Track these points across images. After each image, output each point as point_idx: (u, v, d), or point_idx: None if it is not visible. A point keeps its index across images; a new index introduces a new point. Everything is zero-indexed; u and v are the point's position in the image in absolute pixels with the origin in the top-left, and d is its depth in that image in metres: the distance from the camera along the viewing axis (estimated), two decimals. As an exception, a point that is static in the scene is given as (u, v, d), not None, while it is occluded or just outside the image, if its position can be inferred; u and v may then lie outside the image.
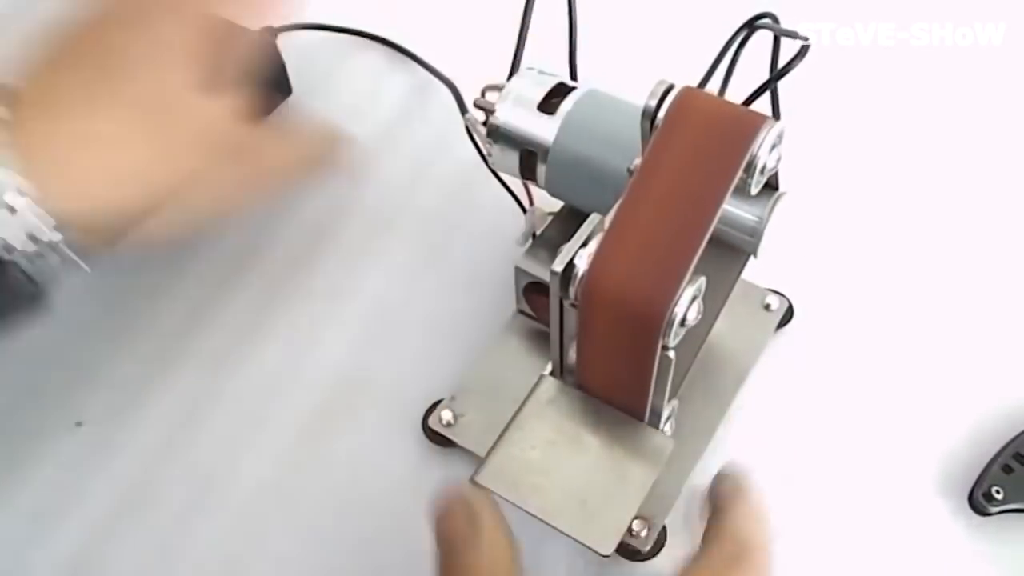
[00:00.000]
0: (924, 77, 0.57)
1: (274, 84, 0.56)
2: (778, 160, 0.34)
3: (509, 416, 0.38)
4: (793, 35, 0.41)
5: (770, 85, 0.41)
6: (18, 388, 0.47)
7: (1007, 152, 0.54)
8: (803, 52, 0.39)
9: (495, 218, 0.50)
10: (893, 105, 0.56)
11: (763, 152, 0.32)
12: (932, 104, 0.56)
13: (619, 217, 0.32)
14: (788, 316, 0.47)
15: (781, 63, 0.39)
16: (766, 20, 0.42)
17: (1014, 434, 0.43)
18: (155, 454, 0.45)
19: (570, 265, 0.33)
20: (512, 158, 0.43)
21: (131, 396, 0.47)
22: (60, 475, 0.44)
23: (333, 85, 0.58)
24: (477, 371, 0.45)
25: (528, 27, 0.42)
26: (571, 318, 0.35)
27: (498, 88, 0.43)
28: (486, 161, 0.45)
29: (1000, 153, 0.54)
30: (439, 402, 0.44)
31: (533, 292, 0.44)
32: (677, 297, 0.31)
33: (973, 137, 0.55)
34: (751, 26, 0.43)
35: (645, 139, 0.34)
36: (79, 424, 0.46)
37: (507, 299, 0.46)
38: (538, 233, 0.45)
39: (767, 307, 0.46)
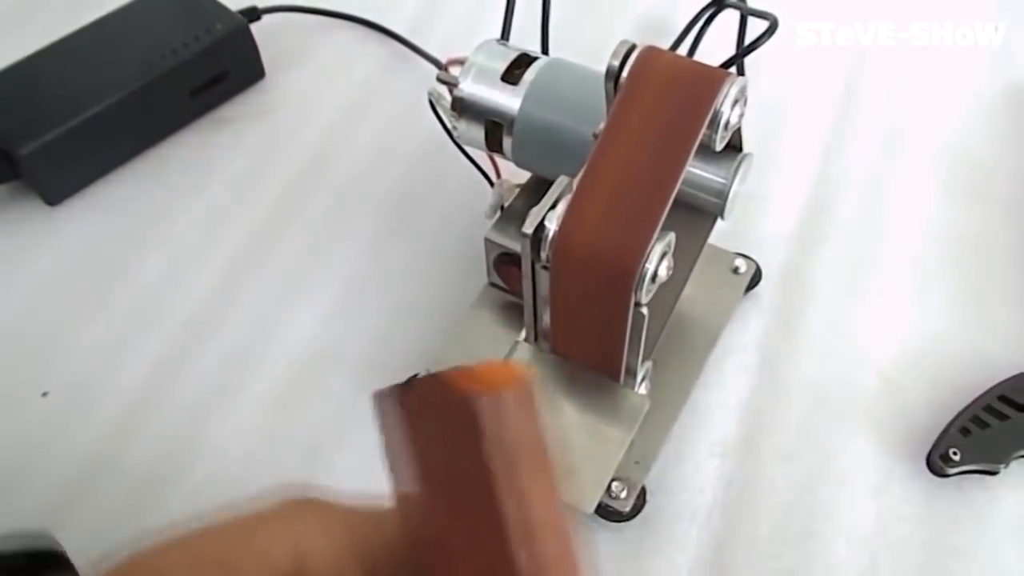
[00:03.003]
0: (924, 77, 0.58)
1: (246, 68, 0.57)
2: (740, 116, 0.34)
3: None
4: (760, 14, 0.41)
5: (736, 61, 0.42)
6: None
7: (1006, 150, 0.55)
8: (771, 30, 0.40)
9: (462, 192, 0.50)
10: (892, 103, 0.57)
11: (726, 107, 0.33)
12: (931, 103, 0.57)
13: (587, 177, 0.33)
14: (756, 279, 0.48)
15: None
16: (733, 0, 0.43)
17: (973, 398, 0.43)
18: (121, 423, 0.44)
19: (540, 226, 0.33)
20: (477, 130, 0.43)
21: (97, 365, 0.46)
22: (25, 444, 0.44)
23: (304, 65, 0.59)
24: (451, 344, 0.45)
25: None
26: (543, 281, 0.35)
27: (461, 62, 0.43)
28: (451, 136, 0.45)
29: (999, 151, 0.55)
30: (415, 375, 0.44)
31: (504, 263, 0.45)
32: (648, 252, 0.31)
33: (971, 135, 0.55)
34: (718, 4, 0.43)
35: (609, 99, 0.34)
36: (45, 394, 0.45)
37: (477, 273, 0.46)
38: (506, 205, 0.45)
39: (735, 270, 0.47)
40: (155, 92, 0.52)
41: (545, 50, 0.45)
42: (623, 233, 0.32)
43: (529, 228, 0.33)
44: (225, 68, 0.55)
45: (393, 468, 0.18)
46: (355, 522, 0.23)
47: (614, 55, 0.34)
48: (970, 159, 0.54)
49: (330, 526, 0.23)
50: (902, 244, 0.50)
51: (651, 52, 0.33)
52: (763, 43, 0.40)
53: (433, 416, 0.17)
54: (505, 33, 0.44)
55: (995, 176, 0.53)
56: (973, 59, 0.59)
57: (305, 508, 0.24)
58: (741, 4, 0.43)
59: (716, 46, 0.43)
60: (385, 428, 0.19)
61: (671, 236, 0.32)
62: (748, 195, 0.40)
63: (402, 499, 0.17)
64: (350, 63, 0.59)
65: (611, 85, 0.34)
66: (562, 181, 0.34)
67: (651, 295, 0.33)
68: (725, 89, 0.32)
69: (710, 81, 0.33)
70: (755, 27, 0.41)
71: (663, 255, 0.32)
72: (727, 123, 0.33)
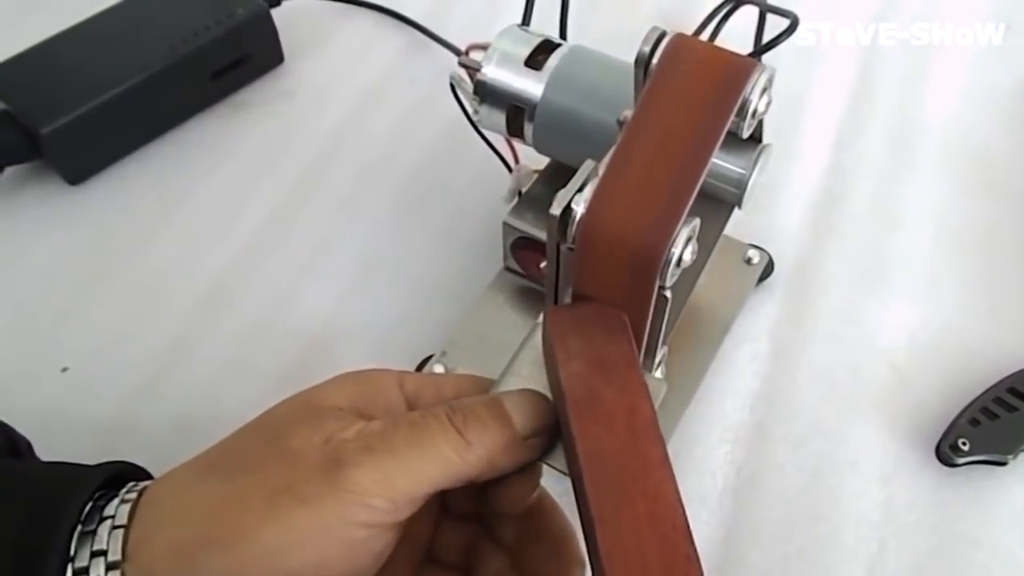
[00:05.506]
0: (934, 73, 0.59)
1: (266, 53, 0.57)
2: (767, 105, 0.35)
3: (500, 370, 0.38)
4: (780, 12, 0.42)
5: (756, 57, 0.42)
6: (2, 335, 0.47)
7: (1015, 144, 0.55)
8: (791, 29, 0.40)
9: (480, 177, 0.51)
10: (903, 99, 0.58)
11: (755, 95, 0.33)
12: (941, 98, 0.58)
13: (615, 160, 0.33)
14: (769, 270, 0.48)
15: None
16: (754, -5, 0.43)
17: (982, 389, 0.44)
18: (138, 399, 0.45)
19: (568, 208, 0.33)
20: (499, 115, 0.44)
21: (115, 341, 0.47)
22: (44, 419, 0.44)
23: (323, 51, 0.59)
24: (466, 327, 0.45)
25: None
26: (567, 263, 0.35)
27: (483, 47, 0.44)
28: (471, 120, 0.45)
29: (1008, 145, 0.55)
30: (430, 357, 0.44)
31: (521, 248, 0.45)
32: (674, 236, 0.32)
33: (981, 130, 0.56)
34: (737, 0, 0.44)
35: (638, 85, 0.35)
36: (64, 369, 0.46)
37: (493, 257, 0.47)
38: (524, 190, 0.46)
39: (748, 261, 0.48)
40: (176, 75, 0.53)
41: (564, 37, 0.46)
42: (651, 216, 0.32)
43: (557, 210, 0.33)
44: (245, 52, 0.55)
45: (557, 355, 0.30)
46: (400, 375, 0.32)
47: (645, 41, 0.34)
48: (980, 153, 0.55)
49: (379, 372, 0.33)
50: (913, 236, 0.51)
51: (682, 39, 0.34)
52: (784, 40, 0.41)
53: (595, 321, 0.31)
54: (526, 19, 0.45)
55: (1005, 169, 0.54)
56: (977, 57, 0.60)
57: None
58: (761, 1, 0.43)
59: (734, 41, 0.43)
60: (555, 330, 0.30)
61: (696, 221, 0.33)
62: (763, 187, 0.40)
63: (563, 369, 0.28)
64: (368, 50, 0.59)
65: (641, 71, 0.34)
66: (589, 164, 0.34)
67: (675, 279, 0.34)
68: (755, 77, 0.33)
69: (740, 69, 0.33)
70: (772, 23, 0.41)
71: (688, 239, 0.33)
72: (755, 111, 0.34)
